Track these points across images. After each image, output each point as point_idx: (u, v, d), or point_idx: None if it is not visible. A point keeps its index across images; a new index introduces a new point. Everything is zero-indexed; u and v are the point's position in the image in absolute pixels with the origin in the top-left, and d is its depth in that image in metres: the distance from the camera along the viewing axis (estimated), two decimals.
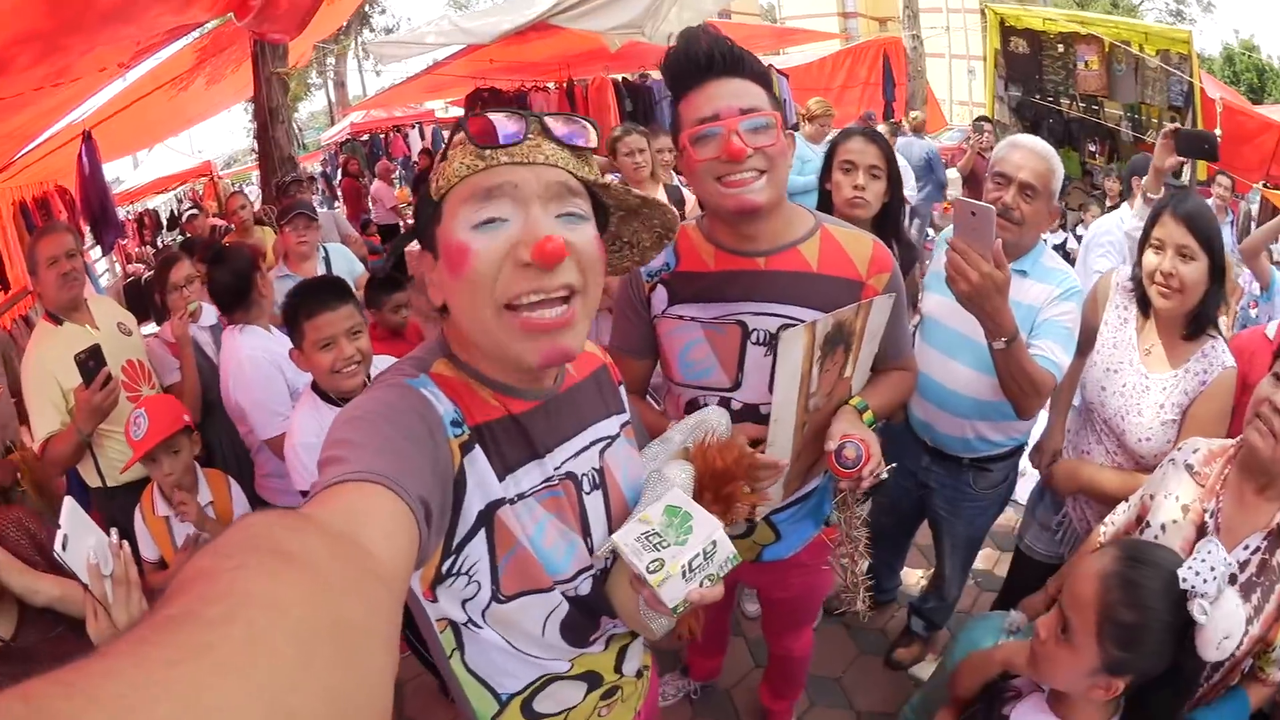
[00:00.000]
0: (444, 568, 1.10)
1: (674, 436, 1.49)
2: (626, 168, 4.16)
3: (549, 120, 1.05)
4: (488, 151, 1.00)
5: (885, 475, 1.60)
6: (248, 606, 0.43)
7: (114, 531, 1.68)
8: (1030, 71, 9.26)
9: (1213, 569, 1.34)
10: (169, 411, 2.61)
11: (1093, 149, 8.72)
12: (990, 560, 3.76)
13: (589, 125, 1.09)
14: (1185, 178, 6.58)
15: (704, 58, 1.54)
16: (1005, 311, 1.81)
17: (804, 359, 1.53)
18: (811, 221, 1.73)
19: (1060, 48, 8.67)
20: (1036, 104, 9.32)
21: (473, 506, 1.08)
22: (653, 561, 1.03)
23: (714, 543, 1.05)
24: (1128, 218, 2.33)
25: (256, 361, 2.75)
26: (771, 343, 1.66)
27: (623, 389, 1.42)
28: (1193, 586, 1.34)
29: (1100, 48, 8.08)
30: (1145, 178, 3.08)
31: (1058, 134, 8.78)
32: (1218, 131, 6.29)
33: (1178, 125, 3.07)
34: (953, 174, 9.17)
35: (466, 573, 1.11)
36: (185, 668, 0.37)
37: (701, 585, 1.03)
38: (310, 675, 0.42)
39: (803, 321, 1.58)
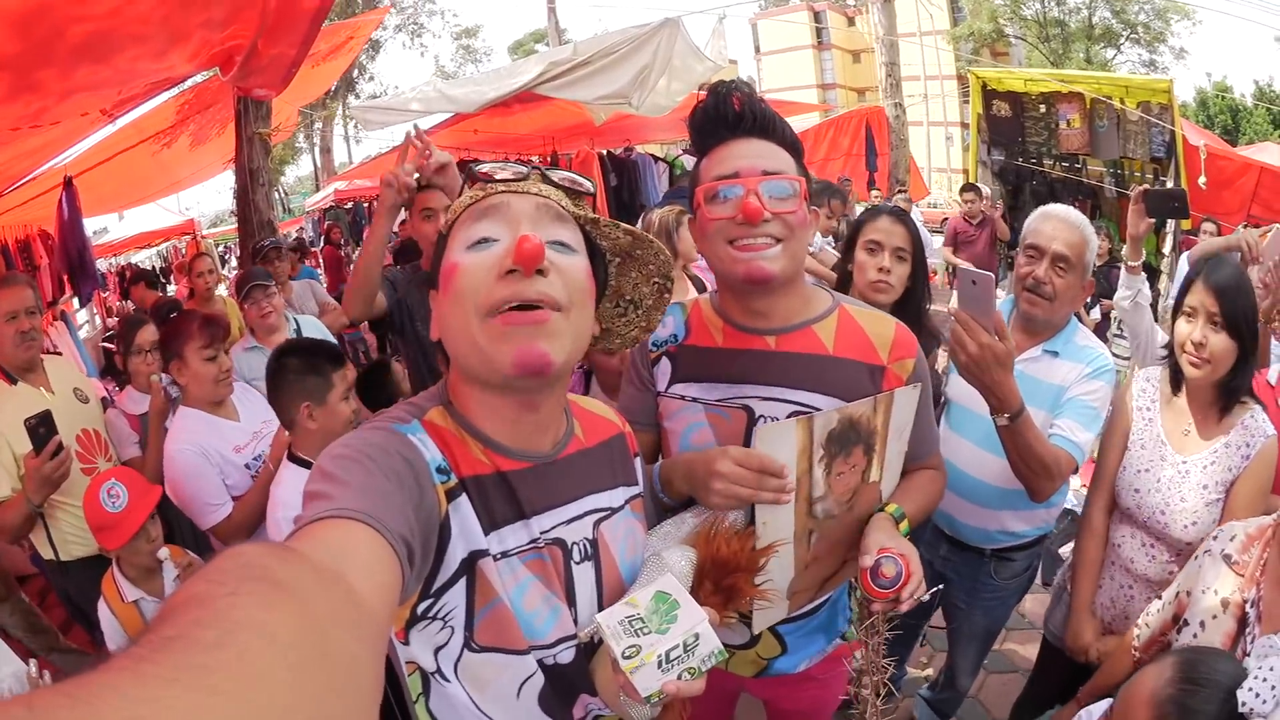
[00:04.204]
0: (419, 609, 1.09)
1: (688, 518, 1.40)
2: None
3: (548, 170, 1.16)
4: (490, 185, 1.12)
5: (926, 598, 1.42)
6: (241, 632, 0.43)
7: (33, 663, 1.60)
8: (1013, 134, 9.42)
9: (1274, 688, 1.24)
10: (140, 480, 2.56)
11: (1074, 207, 8.78)
12: (998, 640, 3.56)
13: (584, 178, 1.19)
14: (1170, 229, 6.64)
15: (733, 115, 1.46)
16: (1008, 385, 1.72)
17: (799, 457, 1.38)
18: (829, 301, 1.61)
19: (1042, 108, 8.85)
20: (1019, 166, 9.44)
21: (456, 554, 1.07)
22: (629, 647, 1.01)
23: (696, 635, 1.02)
24: (1153, 375, 2.26)
25: (181, 454, 2.62)
26: None
27: (639, 461, 1.37)
28: (1252, 710, 1.24)
29: (1082, 105, 8.26)
30: (1125, 248, 3.05)
31: (1041, 196, 8.87)
32: (1202, 180, 6.36)
33: (1146, 187, 3.03)
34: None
35: (442, 618, 1.10)
36: (183, 686, 0.38)
37: (680, 678, 1.01)
38: (302, 701, 0.43)
39: (816, 410, 1.46)
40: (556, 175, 1.15)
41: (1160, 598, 1.90)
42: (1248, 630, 1.57)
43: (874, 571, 1.38)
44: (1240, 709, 1.24)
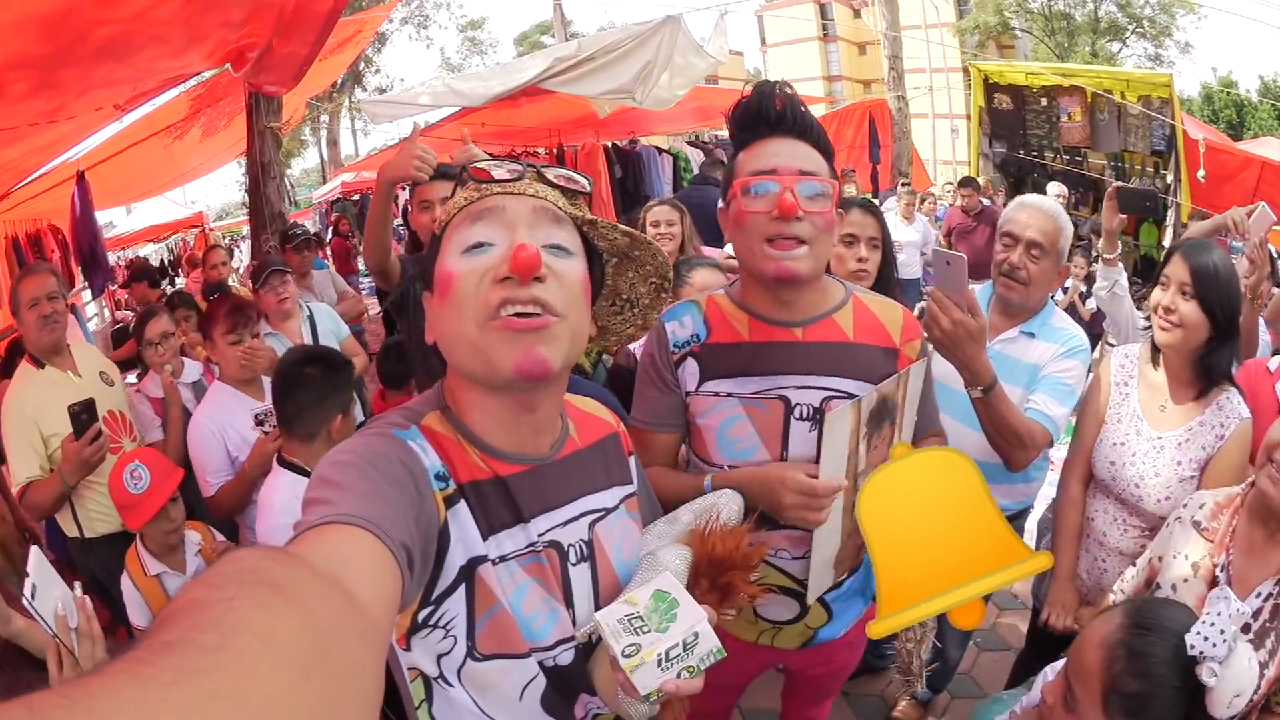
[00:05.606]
0: (420, 617, 1.09)
1: (682, 517, 1.43)
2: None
3: (544, 168, 1.16)
4: (484, 185, 1.11)
5: None
6: (241, 635, 0.43)
7: (77, 585, 1.70)
8: (1014, 127, 9.46)
9: (1222, 631, 1.28)
10: (164, 462, 2.64)
11: (1075, 200, 8.84)
12: (989, 619, 3.69)
13: (581, 175, 1.19)
14: (1170, 221, 6.71)
15: (774, 114, 1.53)
16: (980, 359, 1.81)
17: (850, 437, 1.48)
18: (843, 290, 1.70)
19: (1043, 101, 8.89)
20: (1020, 159, 9.49)
21: (455, 561, 1.08)
22: (629, 645, 1.01)
23: (695, 634, 1.02)
24: (1133, 352, 2.33)
25: (197, 426, 2.82)
26: (816, 418, 1.60)
27: (633, 459, 1.39)
28: (1201, 652, 1.29)
29: (1083, 99, 8.30)
30: (1100, 240, 3.13)
31: (1042, 188, 8.87)
32: (1201, 174, 6.41)
33: (1119, 185, 3.13)
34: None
35: (443, 626, 1.10)
36: (182, 690, 0.38)
37: (679, 676, 1.01)
38: (302, 705, 0.43)
39: (845, 393, 1.57)
40: (552, 174, 1.15)
41: (1134, 566, 1.98)
42: None
43: None
44: (1190, 651, 1.29)
